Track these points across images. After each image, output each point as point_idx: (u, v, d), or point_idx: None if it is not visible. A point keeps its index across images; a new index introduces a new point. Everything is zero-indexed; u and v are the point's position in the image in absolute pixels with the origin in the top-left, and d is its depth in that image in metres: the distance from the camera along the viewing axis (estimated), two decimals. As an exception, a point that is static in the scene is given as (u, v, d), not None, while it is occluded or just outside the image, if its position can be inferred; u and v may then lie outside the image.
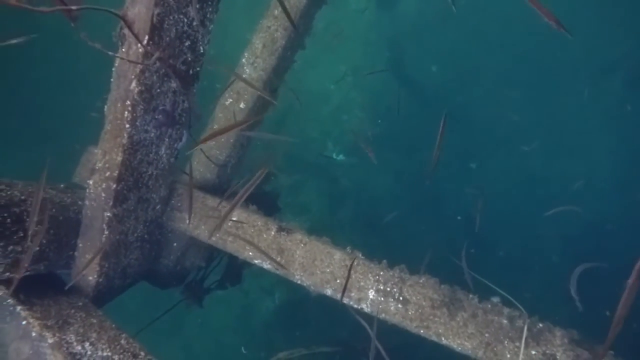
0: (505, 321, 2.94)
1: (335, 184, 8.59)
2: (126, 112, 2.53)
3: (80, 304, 2.62)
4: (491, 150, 8.91)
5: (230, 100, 3.81)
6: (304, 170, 8.68)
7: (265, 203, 3.89)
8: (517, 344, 2.88)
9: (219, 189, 3.81)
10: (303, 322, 7.95)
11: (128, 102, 2.51)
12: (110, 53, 2.23)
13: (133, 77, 2.46)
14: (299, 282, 3.14)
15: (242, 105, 3.81)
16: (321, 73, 9.38)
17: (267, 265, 3.19)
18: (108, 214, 2.71)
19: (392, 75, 9.51)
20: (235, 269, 4.95)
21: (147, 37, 2.39)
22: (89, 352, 2.17)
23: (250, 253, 3.21)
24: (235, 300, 8.52)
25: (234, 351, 8.36)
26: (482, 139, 8.92)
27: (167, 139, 2.98)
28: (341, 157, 9.14)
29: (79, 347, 2.17)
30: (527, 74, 8.34)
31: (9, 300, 2.20)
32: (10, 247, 2.19)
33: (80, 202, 2.89)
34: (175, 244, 3.66)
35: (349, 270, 2.67)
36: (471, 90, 9.16)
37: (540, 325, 2.90)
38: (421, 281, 3.07)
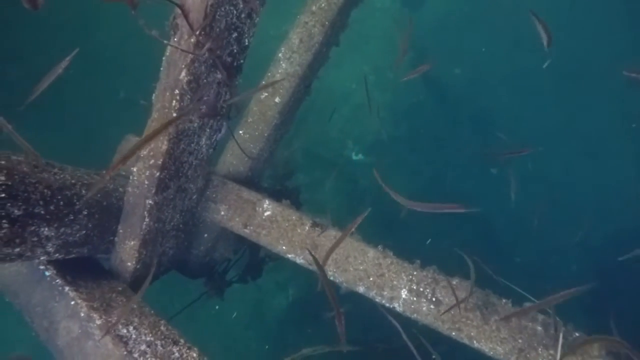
0: (539, 328, 2.91)
1: (353, 183, 8.58)
2: (174, 101, 2.55)
3: (120, 288, 2.66)
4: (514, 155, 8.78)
5: (266, 94, 3.83)
6: (323, 168, 8.69)
7: (288, 199, 3.90)
8: (552, 351, 2.84)
9: (250, 182, 3.84)
10: (316, 320, 7.96)
11: (177, 91, 2.54)
12: (165, 42, 2.25)
13: (183, 66, 2.49)
14: (331, 278, 3.14)
15: (277, 100, 3.82)
16: (344, 72, 9.36)
17: (300, 260, 3.20)
18: (150, 202, 2.74)
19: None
20: (256, 263, 4.99)
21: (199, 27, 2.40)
22: (133, 336, 2.20)
23: (284, 247, 3.23)
24: (249, 294, 8.56)
25: (246, 345, 8.40)
26: (504, 143, 8.81)
27: (208, 130, 3.01)
28: (360, 156, 9.13)
29: (125, 331, 2.20)
30: (554, 78, 8.22)
31: (57, 281, 2.24)
32: (62, 229, 2.23)
33: (121, 189, 2.93)
34: (206, 235, 3.69)
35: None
36: (494, 94, 9.06)
37: (577, 334, 2.86)
38: (454, 283, 3.05)
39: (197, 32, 2.39)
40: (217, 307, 7.98)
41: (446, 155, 8.55)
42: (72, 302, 2.19)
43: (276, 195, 3.59)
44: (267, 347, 8.08)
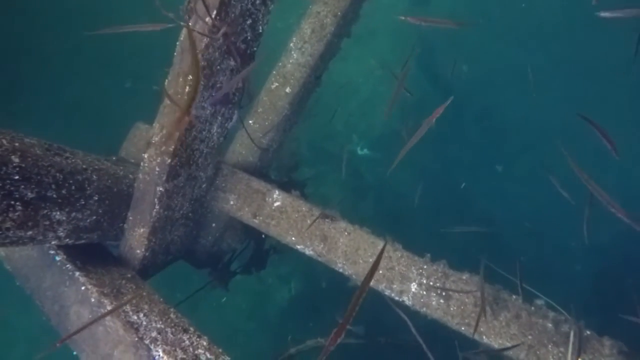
0: (550, 325, 2.89)
1: (358, 177, 8.55)
2: (187, 87, 2.52)
3: (129, 275, 2.64)
4: (518, 153, 8.75)
5: (277, 84, 3.78)
6: (328, 162, 8.65)
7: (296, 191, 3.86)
8: (562, 349, 2.82)
9: (259, 172, 3.80)
10: (318, 313, 7.96)
11: (190, 77, 2.50)
12: (182, 24, 2.21)
13: (198, 51, 2.44)
14: (340, 270, 3.12)
15: (287, 90, 3.77)
16: (350, 66, 9.30)
17: (309, 251, 3.18)
18: (160, 189, 2.71)
19: (421, 72, 9.39)
20: (260, 255, 4.96)
21: (215, 12, 2.36)
22: (144, 323, 2.18)
23: (293, 238, 3.20)
24: (251, 286, 8.56)
25: (247, 337, 8.41)
26: (510, 141, 8.78)
27: (219, 118, 2.97)
28: (365, 151, 9.09)
29: (135, 317, 2.18)
30: (562, 76, 8.15)
31: (67, 266, 2.21)
32: (73, 214, 2.20)
33: (130, 176, 2.90)
34: (214, 225, 3.66)
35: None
36: (502, 91, 9.00)
37: (588, 332, 2.84)
38: (464, 278, 3.03)
39: (213, 16, 2.35)
40: (224, 299, 7.98)
41: (451, 152, 8.51)
42: (83, 288, 2.17)
43: (283, 187, 3.56)
44: (268, 339, 8.08)
